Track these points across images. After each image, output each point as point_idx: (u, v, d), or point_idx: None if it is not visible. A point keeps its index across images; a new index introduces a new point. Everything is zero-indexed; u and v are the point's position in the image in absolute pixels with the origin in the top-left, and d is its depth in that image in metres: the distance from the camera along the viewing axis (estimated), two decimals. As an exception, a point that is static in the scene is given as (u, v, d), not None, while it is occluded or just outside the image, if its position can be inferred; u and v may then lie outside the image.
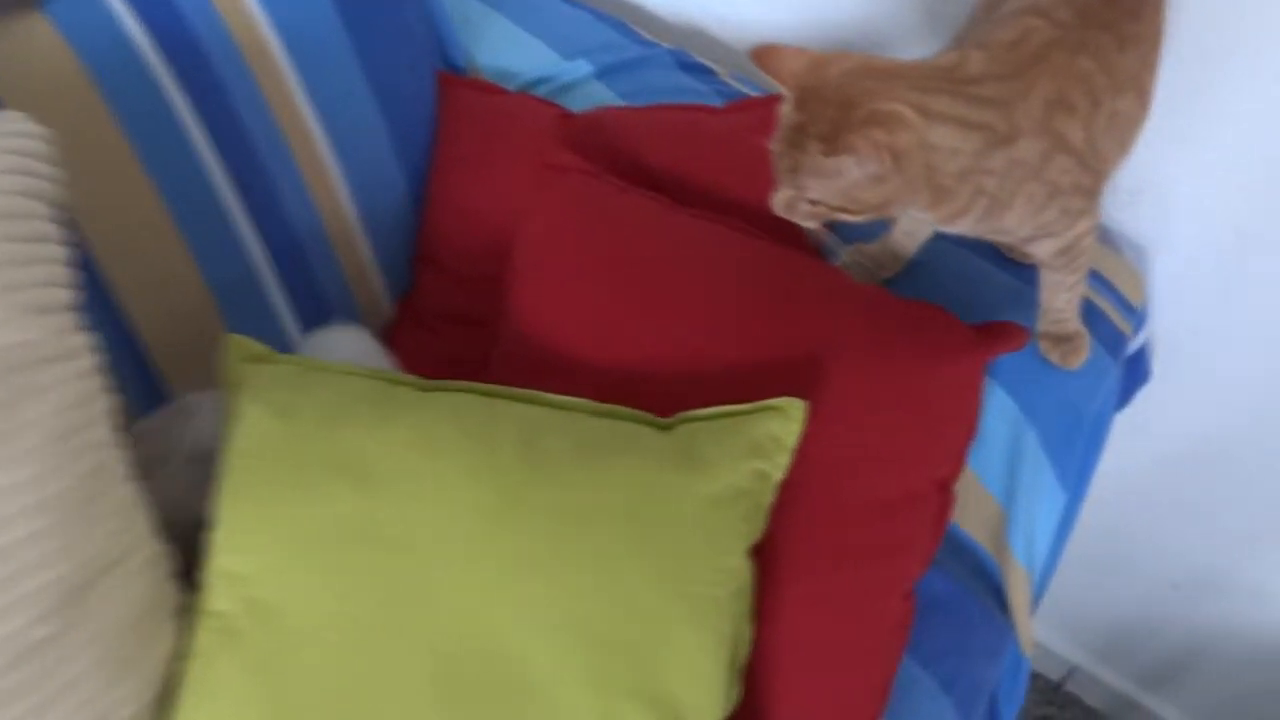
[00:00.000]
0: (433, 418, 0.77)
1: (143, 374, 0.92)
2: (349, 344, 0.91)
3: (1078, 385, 1.00)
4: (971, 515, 0.97)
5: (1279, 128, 0.99)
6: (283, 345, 0.99)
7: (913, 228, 0.99)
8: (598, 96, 1.17)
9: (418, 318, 1.08)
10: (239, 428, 0.75)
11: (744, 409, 0.80)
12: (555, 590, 0.71)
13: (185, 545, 0.74)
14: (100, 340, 0.68)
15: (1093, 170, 0.82)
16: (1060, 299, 0.94)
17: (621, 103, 1.16)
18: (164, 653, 0.71)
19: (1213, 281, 1.13)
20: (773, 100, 0.76)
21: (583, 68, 1.20)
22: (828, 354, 0.86)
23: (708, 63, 1.23)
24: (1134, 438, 1.22)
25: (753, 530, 0.78)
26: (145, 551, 0.70)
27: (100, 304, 0.88)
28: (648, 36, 1.26)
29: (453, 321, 1.06)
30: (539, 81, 1.20)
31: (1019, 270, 1.04)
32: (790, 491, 0.80)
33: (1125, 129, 0.85)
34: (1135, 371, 1.17)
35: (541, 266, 0.95)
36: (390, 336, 1.07)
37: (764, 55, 0.74)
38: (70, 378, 0.65)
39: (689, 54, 1.24)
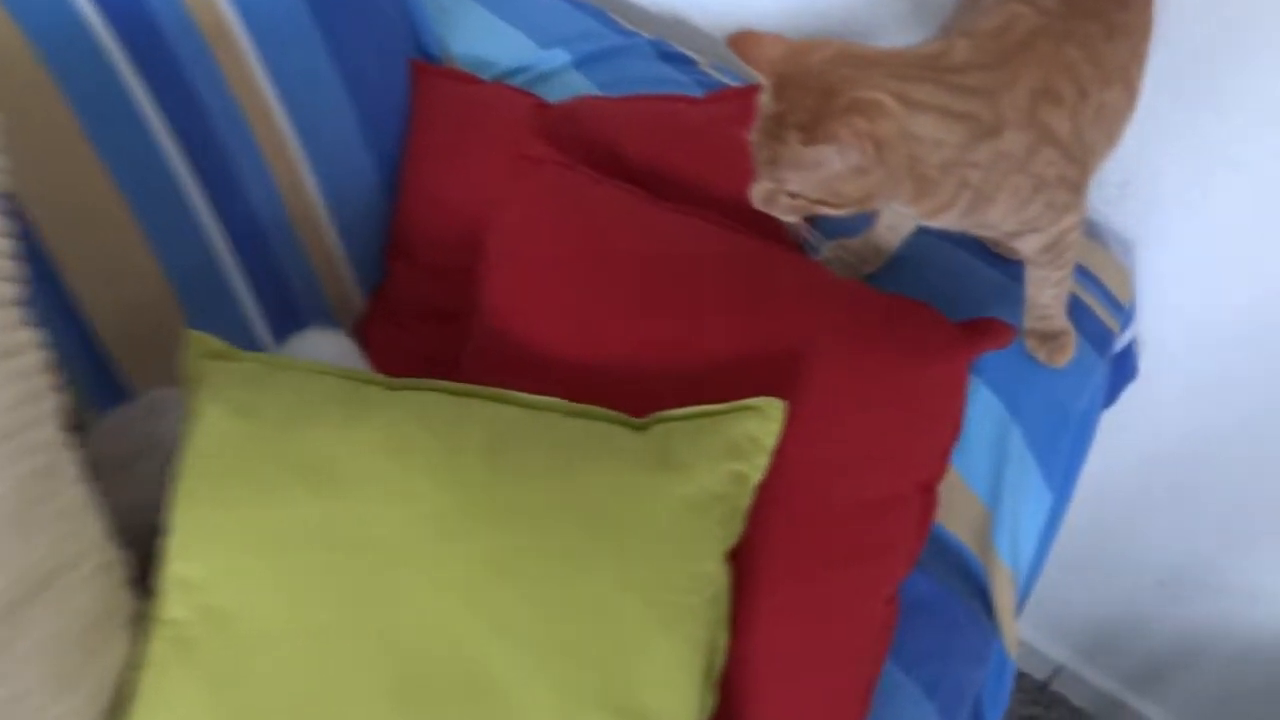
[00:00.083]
0: (400, 417, 0.74)
1: (99, 369, 0.89)
2: (326, 348, 0.89)
3: (1064, 383, 0.99)
4: (956, 516, 0.96)
5: (1269, 121, 0.98)
6: (246, 337, 0.97)
7: (896, 222, 0.98)
8: (575, 86, 1.16)
9: (390, 312, 1.07)
10: (197, 427, 0.72)
11: (721, 409, 0.78)
12: (521, 595, 0.69)
13: (151, 549, 0.71)
14: (51, 335, 0.65)
15: (1079, 163, 0.80)
16: (1046, 295, 0.93)
17: (599, 93, 1.15)
18: (116, 663, 0.68)
19: (1201, 278, 1.12)
20: (754, 90, 0.74)
21: (560, 57, 1.18)
22: (808, 351, 0.85)
23: (689, 52, 1.22)
24: (1120, 435, 1.21)
25: (729, 534, 0.76)
26: (97, 558, 0.67)
27: (50, 296, 0.85)
28: (628, 26, 1.25)
29: (425, 316, 1.05)
30: (515, 71, 1.18)
31: (1005, 265, 1.03)
32: (769, 493, 0.78)
33: (1113, 121, 0.84)
34: (1122, 369, 1.17)
35: (515, 260, 0.93)
36: (362, 331, 1.05)
37: (741, 42, 0.72)
38: (13, 376, 0.62)
39: (669, 43, 1.22)
